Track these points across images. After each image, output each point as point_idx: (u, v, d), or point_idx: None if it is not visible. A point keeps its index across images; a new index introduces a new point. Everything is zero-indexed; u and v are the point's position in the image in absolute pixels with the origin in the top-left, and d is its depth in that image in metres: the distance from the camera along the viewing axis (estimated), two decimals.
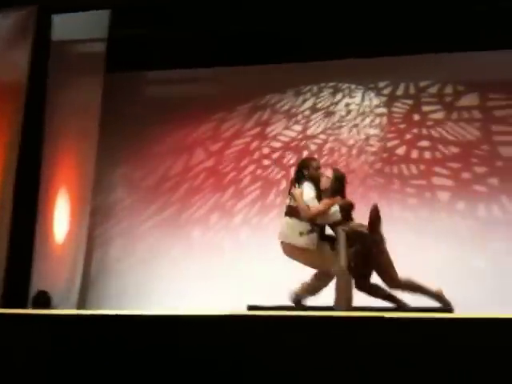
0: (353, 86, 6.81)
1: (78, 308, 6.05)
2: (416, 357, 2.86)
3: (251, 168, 6.75)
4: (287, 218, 4.46)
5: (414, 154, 6.45)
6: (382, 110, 6.67)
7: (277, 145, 6.78)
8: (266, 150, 6.78)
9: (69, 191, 6.39)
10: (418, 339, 2.90)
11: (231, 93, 6.96)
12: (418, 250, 5.77)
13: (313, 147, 6.69)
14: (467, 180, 6.26)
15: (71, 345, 3.18)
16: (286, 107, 6.89)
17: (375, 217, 4.36)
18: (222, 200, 6.69)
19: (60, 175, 6.42)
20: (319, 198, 4.39)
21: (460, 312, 4.15)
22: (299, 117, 6.83)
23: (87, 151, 6.44)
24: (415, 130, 6.53)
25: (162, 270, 6.46)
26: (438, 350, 2.84)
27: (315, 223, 4.34)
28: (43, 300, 5.78)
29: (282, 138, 6.80)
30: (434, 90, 6.60)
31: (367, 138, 6.61)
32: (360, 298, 4.39)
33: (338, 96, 6.81)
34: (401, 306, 4.36)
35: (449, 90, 6.57)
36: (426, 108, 6.57)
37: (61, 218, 6.31)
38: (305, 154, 6.65)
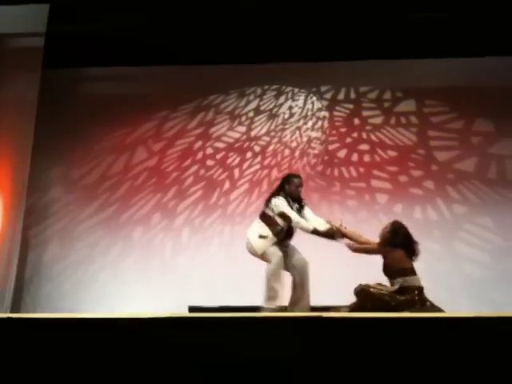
0: (296, 90, 6.91)
1: (12, 311, 5.80)
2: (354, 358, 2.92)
3: (194, 168, 6.71)
4: (258, 219, 4.66)
5: (354, 157, 6.60)
6: (324, 113, 6.80)
7: (220, 145, 6.77)
8: (209, 151, 6.76)
9: (2, 190, 6.13)
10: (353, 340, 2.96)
11: (174, 92, 6.89)
12: None
13: (256, 148, 6.73)
14: (404, 183, 6.46)
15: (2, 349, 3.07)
16: (230, 108, 6.89)
17: None
18: (163, 200, 6.61)
19: None
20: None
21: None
22: (243, 118, 6.85)
23: (22, 149, 6.19)
24: (355, 134, 6.69)
25: (101, 272, 6.31)
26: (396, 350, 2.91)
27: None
28: None
29: (226, 139, 6.80)
30: (373, 95, 6.79)
31: (309, 141, 6.71)
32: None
33: (282, 99, 6.89)
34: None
35: (387, 95, 6.77)
36: (365, 113, 6.75)
37: None
38: (248, 155, 6.68)
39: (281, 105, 6.88)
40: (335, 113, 6.80)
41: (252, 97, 6.93)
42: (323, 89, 6.87)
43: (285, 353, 2.96)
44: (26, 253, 6.37)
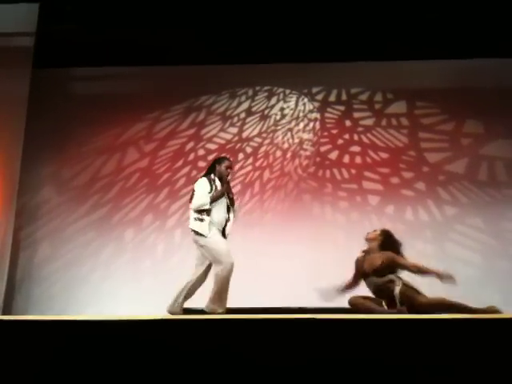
0: (287, 91, 6.92)
1: (3, 314, 5.76)
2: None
3: (186, 169, 6.70)
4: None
5: (346, 159, 6.63)
6: (316, 115, 6.82)
7: (212, 147, 6.77)
8: (201, 152, 6.75)
9: None
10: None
11: (165, 92, 6.88)
12: (348, 251, 5.91)
13: (248, 150, 6.73)
14: (395, 184, 6.50)
15: None
16: (222, 109, 6.89)
17: None
18: (156, 201, 6.59)
19: None
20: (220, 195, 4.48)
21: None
22: (235, 119, 6.85)
23: (12, 149, 6.14)
24: (347, 136, 6.72)
25: (93, 273, 6.28)
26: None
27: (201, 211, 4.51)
28: None
29: (218, 140, 6.79)
30: (364, 97, 6.82)
31: (301, 142, 6.73)
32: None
33: (273, 100, 6.90)
34: None
35: (378, 97, 6.81)
36: (357, 114, 6.78)
37: None
38: (240, 156, 6.68)
39: (272, 106, 6.89)
40: (327, 114, 6.83)
41: (244, 98, 6.93)
42: (315, 90, 6.89)
43: (278, 354, 2.97)
44: (17, 254, 6.33)
